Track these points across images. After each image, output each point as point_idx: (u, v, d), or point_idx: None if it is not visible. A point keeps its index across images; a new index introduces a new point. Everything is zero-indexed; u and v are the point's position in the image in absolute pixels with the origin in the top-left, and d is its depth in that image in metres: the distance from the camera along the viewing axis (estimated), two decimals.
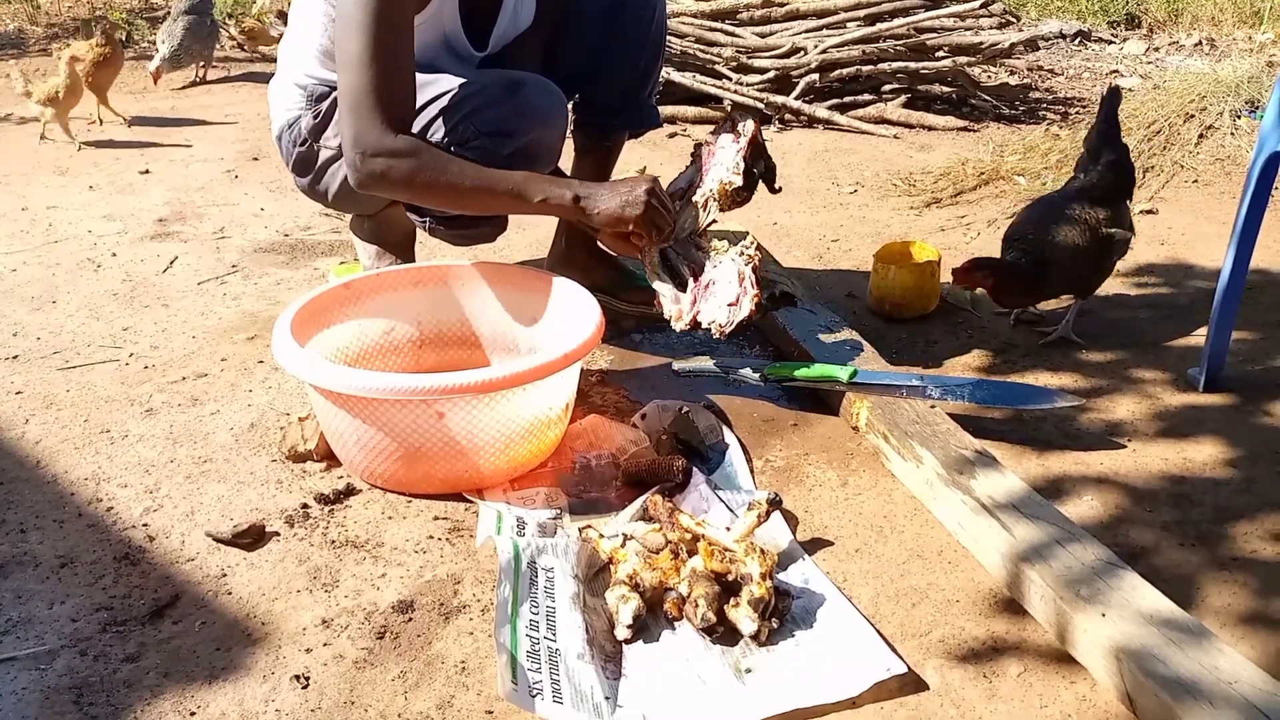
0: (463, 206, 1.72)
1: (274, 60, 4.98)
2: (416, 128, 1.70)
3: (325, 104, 1.82)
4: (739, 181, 1.70)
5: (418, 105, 1.71)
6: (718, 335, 1.65)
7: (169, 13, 4.81)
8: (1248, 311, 1.82)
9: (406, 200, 1.79)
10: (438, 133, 1.69)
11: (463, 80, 1.72)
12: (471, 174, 1.62)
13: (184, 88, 4.48)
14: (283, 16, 4.91)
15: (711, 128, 1.84)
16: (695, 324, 1.66)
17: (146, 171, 3.23)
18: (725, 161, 1.72)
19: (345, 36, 1.59)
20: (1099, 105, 2.10)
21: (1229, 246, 1.76)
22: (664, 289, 1.69)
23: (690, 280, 1.68)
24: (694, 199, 1.73)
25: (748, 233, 1.70)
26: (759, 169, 1.75)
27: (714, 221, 1.73)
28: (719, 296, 1.65)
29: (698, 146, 1.81)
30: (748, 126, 1.74)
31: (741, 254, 1.67)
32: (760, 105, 3.78)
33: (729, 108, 1.74)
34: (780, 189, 1.83)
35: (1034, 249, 1.97)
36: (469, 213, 1.77)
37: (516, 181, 1.62)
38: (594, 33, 1.96)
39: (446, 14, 1.74)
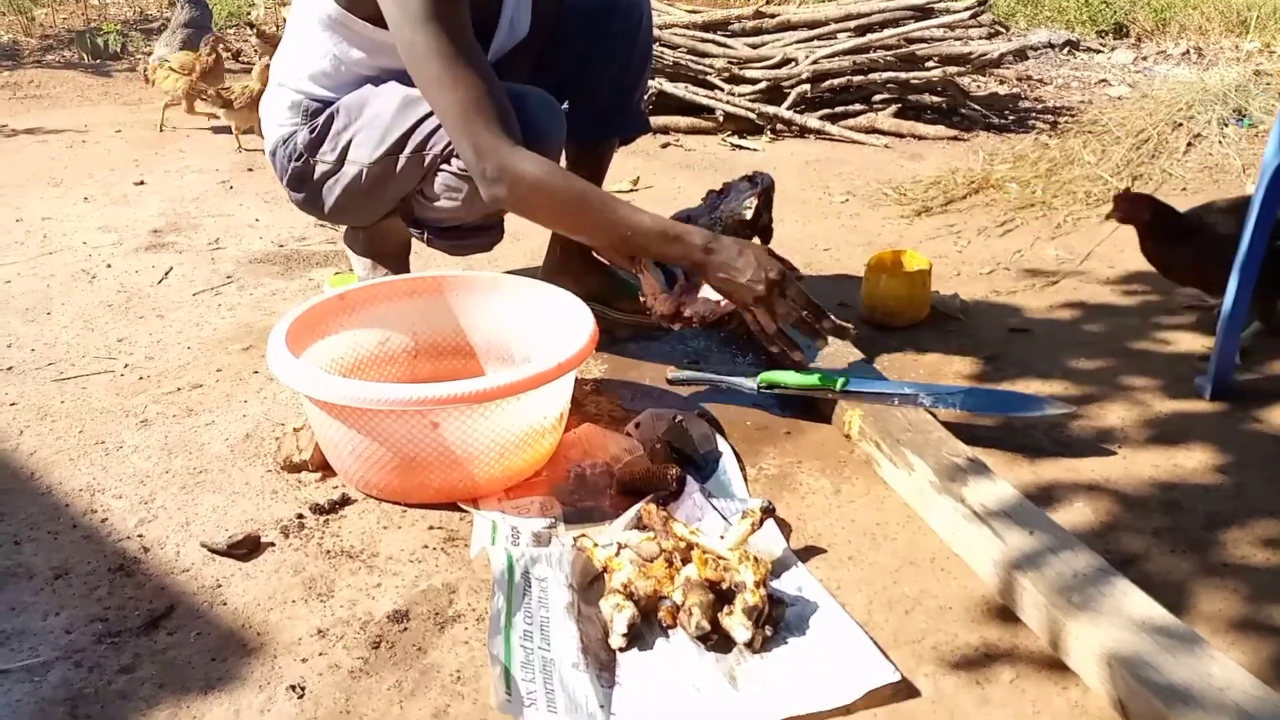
0: (581, 232, 1.70)
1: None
2: (417, 139, 1.71)
3: (320, 119, 1.83)
4: (749, 216, 1.84)
5: (420, 118, 1.72)
6: (697, 324, 1.70)
7: (164, 25, 4.82)
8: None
9: (531, 220, 1.71)
10: (436, 144, 1.70)
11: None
12: (598, 212, 1.62)
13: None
14: (253, 28, 4.94)
15: (724, 180, 2.02)
16: (678, 312, 1.70)
17: (141, 183, 3.23)
18: (739, 198, 1.87)
19: (420, 62, 1.56)
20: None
21: (1238, 255, 1.77)
22: (653, 279, 1.73)
23: (682, 277, 1.73)
24: (702, 219, 1.85)
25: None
26: (764, 220, 1.89)
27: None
28: (706, 290, 1.70)
29: (710, 191, 1.95)
30: (765, 179, 1.90)
31: None
32: (752, 115, 3.80)
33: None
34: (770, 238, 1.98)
35: (1216, 223, 1.95)
36: (584, 239, 1.75)
37: (641, 223, 1.61)
38: (582, 40, 1.98)
39: None
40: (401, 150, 1.75)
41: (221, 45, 4.03)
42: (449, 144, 1.69)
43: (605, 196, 1.67)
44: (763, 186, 1.81)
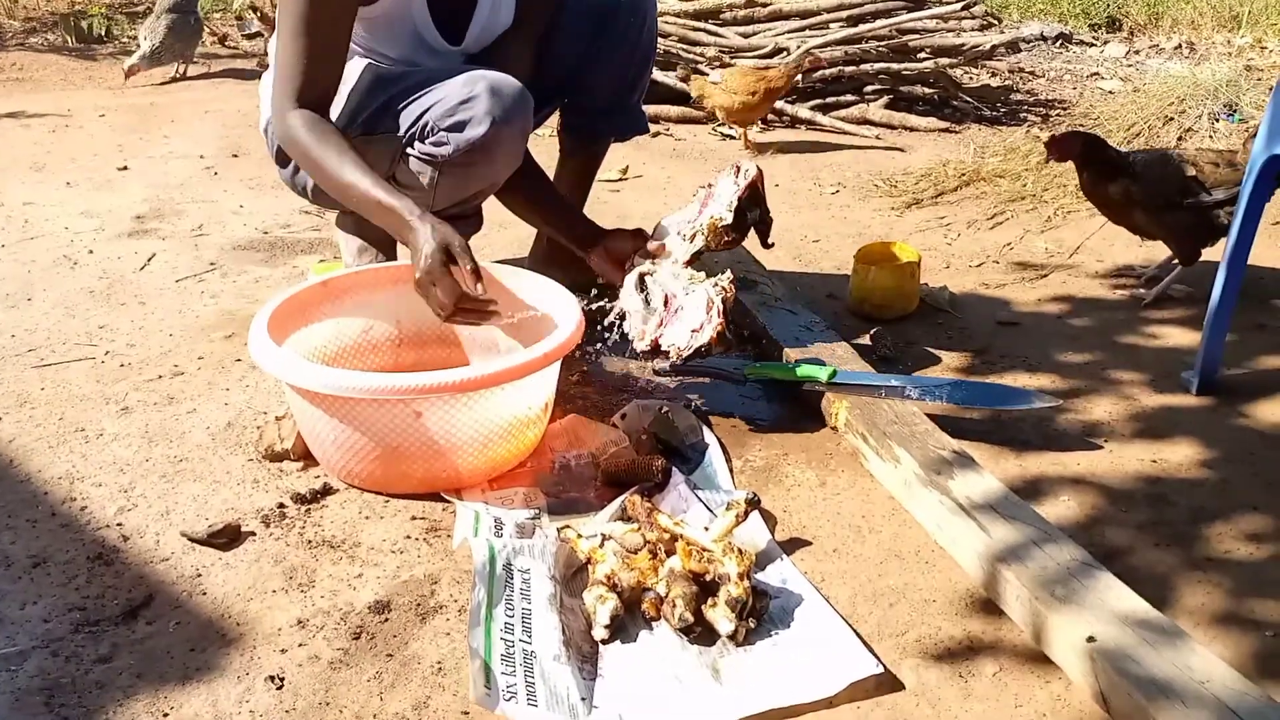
0: (322, 185, 1.68)
1: (254, 55, 4.97)
2: (388, 119, 1.70)
3: None
4: (729, 219, 1.71)
5: (388, 95, 1.72)
6: (675, 358, 1.67)
7: (150, 9, 4.78)
8: (1237, 314, 1.83)
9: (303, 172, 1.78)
10: (403, 124, 1.70)
11: (430, 74, 1.72)
12: (331, 171, 1.61)
13: (164, 83, 4.45)
14: (255, 10, 4.90)
15: (718, 171, 1.87)
16: (655, 346, 1.69)
17: (125, 168, 3.20)
18: (722, 199, 1.74)
19: (281, 12, 1.64)
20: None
21: (1224, 251, 1.77)
22: (632, 306, 1.72)
23: (661, 306, 1.70)
24: (683, 231, 1.75)
25: (728, 270, 1.71)
26: (753, 215, 1.75)
27: (700, 253, 1.73)
28: (684, 322, 1.67)
29: (700, 188, 1.83)
30: (749, 171, 1.75)
31: (715, 285, 1.67)
32: None
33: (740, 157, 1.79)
34: (773, 244, 1.84)
35: (1142, 163, 2.18)
36: (327, 191, 1.71)
37: (363, 189, 1.59)
38: (583, 38, 1.96)
39: (414, 6, 1.74)
40: (374, 130, 1.73)
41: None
42: (413, 121, 1.68)
43: (349, 161, 1.60)
44: (747, 182, 1.74)
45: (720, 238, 1.72)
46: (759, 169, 1.75)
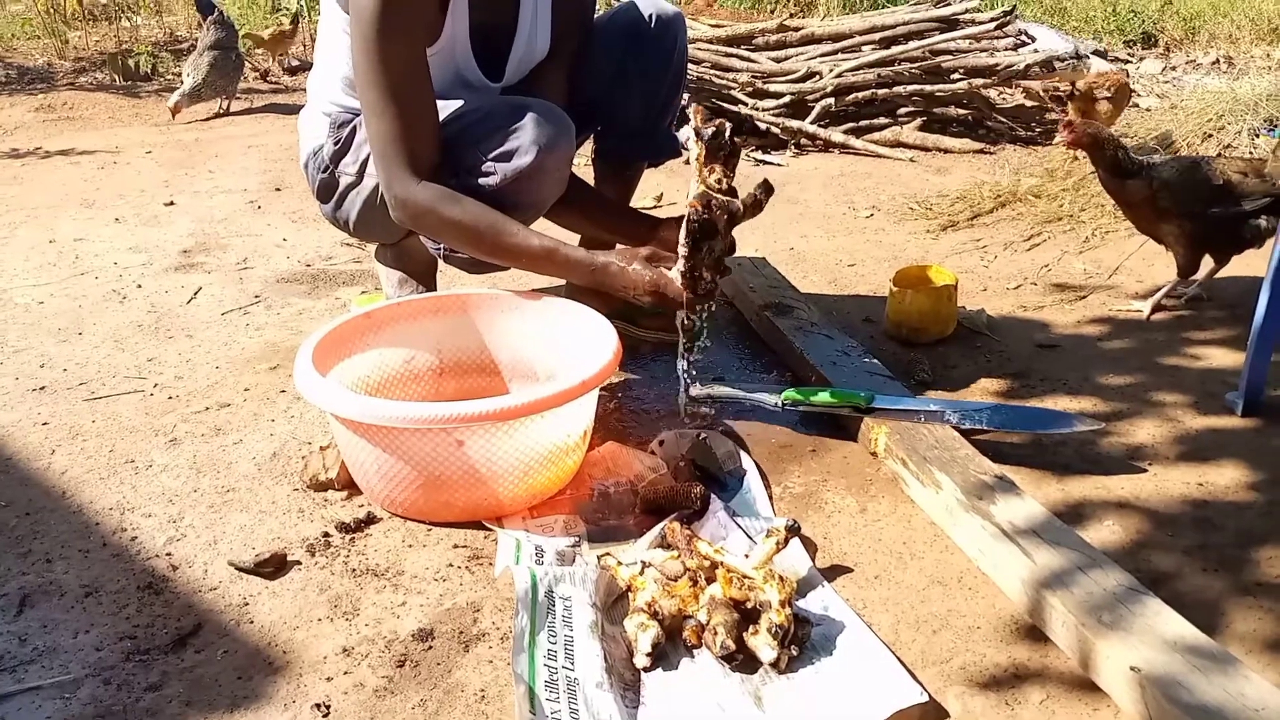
0: (482, 255, 1.76)
1: (295, 90, 5.07)
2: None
3: (345, 130, 1.85)
4: (700, 153, 1.66)
5: None
6: (683, 252, 1.61)
7: (194, 46, 4.90)
8: None
9: (442, 242, 1.81)
10: (449, 159, 1.72)
11: (472, 107, 1.75)
12: (489, 231, 1.67)
13: (208, 119, 4.56)
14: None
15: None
16: (686, 272, 1.62)
17: (171, 203, 3.28)
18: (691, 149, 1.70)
19: (361, 88, 1.66)
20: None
21: (1269, 268, 1.75)
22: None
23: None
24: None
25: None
26: (722, 130, 1.68)
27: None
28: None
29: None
30: (702, 125, 1.69)
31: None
32: (776, 129, 3.80)
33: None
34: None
35: (1172, 169, 2.20)
36: (489, 260, 1.78)
37: (531, 248, 1.68)
38: (614, 62, 1.98)
39: (458, 48, 1.77)
40: None
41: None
42: (460, 156, 1.71)
43: (498, 222, 1.67)
44: (695, 118, 1.69)
45: (700, 177, 1.66)
46: (695, 101, 1.70)
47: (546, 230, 1.76)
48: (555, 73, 1.94)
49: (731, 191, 1.66)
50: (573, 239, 2.02)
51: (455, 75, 1.80)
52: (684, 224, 1.62)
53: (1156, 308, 2.26)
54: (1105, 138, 2.22)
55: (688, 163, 1.74)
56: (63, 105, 4.81)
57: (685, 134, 1.69)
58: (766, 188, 1.71)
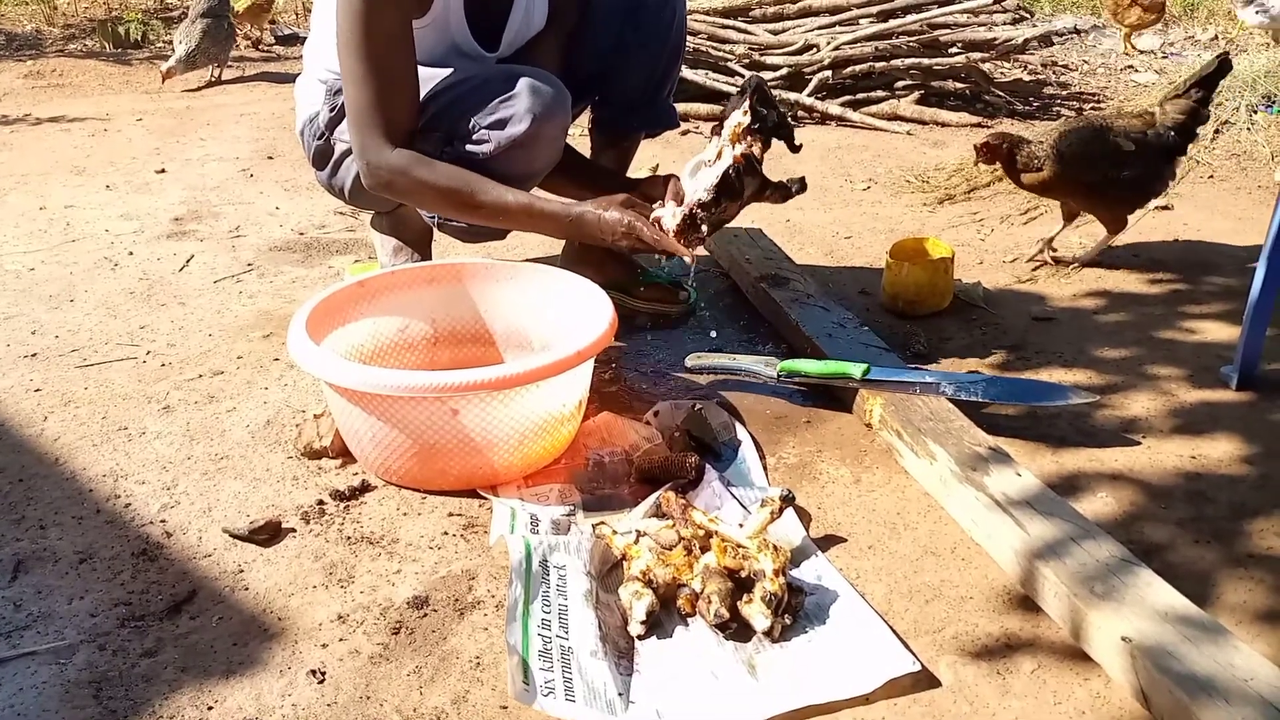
0: (460, 217, 1.76)
1: (288, 59, 5.03)
2: (422, 122, 1.72)
3: (341, 98, 1.83)
4: (747, 120, 1.66)
5: (426, 96, 1.73)
6: (705, 198, 1.62)
7: (184, 13, 4.85)
8: (1277, 307, 1.81)
9: (417, 207, 1.81)
10: (443, 127, 1.71)
11: (466, 75, 1.73)
12: (464, 191, 1.67)
13: (200, 88, 4.51)
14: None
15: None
16: (690, 214, 1.63)
17: (162, 171, 3.25)
18: (735, 113, 1.69)
19: (343, 54, 1.66)
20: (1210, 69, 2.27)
21: (1266, 242, 1.74)
22: (663, 212, 1.68)
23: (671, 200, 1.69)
24: (707, 156, 1.71)
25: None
26: (772, 117, 1.68)
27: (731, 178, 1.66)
28: (703, 178, 1.65)
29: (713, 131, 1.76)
30: (752, 81, 1.70)
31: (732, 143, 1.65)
32: None
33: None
34: (800, 146, 1.76)
35: (1056, 143, 2.21)
36: (468, 221, 1.79)
37: (506, 203, 1.67)
38: (612, 34, 1.96)
39: (453, 19, 1.75)
40: None
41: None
42: (454, 123, 1.70)
43: (472, 182, 1.67)
44: (752, 88, 1.68)
45: (746, 143, 1.66)
46: (759, 77, 1.73)
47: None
48: (550, 42, 1.93)
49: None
50: None
51: (450, 45, 1.78)
52: (719, 172, 1.62)
53: (1087, 263, 2.35)
54: (1007, 146, 2.25)
55: (717, 132, 1.72)
56: (52, 72, 4.75)
57: (733, 106, 1.69)
58: (802, 184, 1.73)
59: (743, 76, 3.86)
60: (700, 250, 1.71)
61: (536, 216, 1.70)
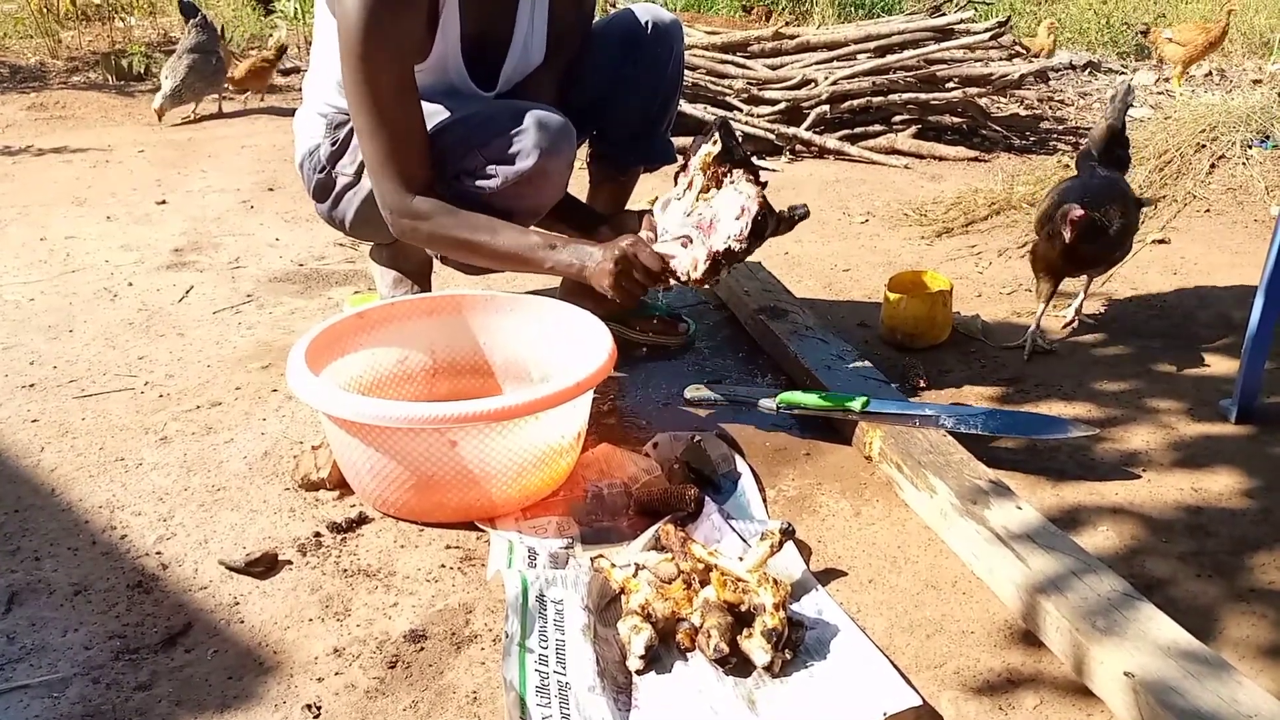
0: (482, 264, 1.79)
1: (289, 91, 5.06)
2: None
3: (342, 131, 1.85)
4: (716, 149, 1.67)
5: (432, 132, 1.74)
6: (737, 248, 1.61)
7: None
8: (1276, 340, 1.81)
9: (440, 253, 1.83)
10: (449, 164, 1.71)
11: (471, 110, 1.74)
12: (485, 240, 1.68)
13: (201, 120, 4.54)
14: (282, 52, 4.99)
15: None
16: (714, 261, 1.62)
17: (163, 202, 3.26)
18: (704, 145, 1.71)
19: (351, 109, 1.67)
20: (1115, 100, 2.27)
21: (1263, 275, 1.75)
22: (670, 249, 1.67)
23: (696, 232, 1.67)
24: (674, 197, 1.74)
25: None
26: (740, 151, 1.69)
27: (702, 193, 1.70)
28: (724, 220, 1.64)
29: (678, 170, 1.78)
30: (717, 121, 1.71)
31: (733, 184, 1.65)
32: (771, 136, 3.81)
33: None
34: (766, 184, 1.71)
35: (1102, 217, 2.04)
36: (488, 267, 1.81)
37: (525, 248, 1.68)
38: (611, 68, 1.98)
39: (450, 63, 1.77)
40: None
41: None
42: (460, 160, 1.71)
43: (494, 228, 1.68)
44: (717, 128, 1.67)
45: (714, 167, 1.67)
46: (723, 116, 1.74)
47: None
48: (547, 77, 1.94)
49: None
50: None
51: (447, 86, 1.80)
52: (747, 219, 1.61)
53: (1079, 311, 2.27)
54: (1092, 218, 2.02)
55: (684, 169, 1.74)
56: (55, 104, 4.78)
57: (700, 141, 1.70)
58: (805, 212, 1.73)
59: (741, 110, 3.90)
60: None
61: (550, 268, 1.70)
